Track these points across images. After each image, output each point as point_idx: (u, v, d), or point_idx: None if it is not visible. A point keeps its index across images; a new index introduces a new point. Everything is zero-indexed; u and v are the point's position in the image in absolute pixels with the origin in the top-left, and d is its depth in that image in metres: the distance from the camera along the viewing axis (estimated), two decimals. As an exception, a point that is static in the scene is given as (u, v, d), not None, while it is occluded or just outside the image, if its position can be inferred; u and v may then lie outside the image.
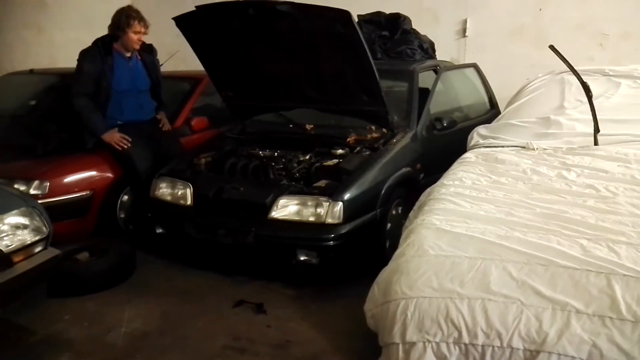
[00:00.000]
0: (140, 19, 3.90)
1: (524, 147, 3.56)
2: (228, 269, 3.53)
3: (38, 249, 2.71)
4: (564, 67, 3.67)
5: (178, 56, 5.07)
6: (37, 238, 2.70)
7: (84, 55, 3.91)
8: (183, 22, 3.72)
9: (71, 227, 3.70)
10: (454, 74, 4.88)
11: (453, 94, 4.80)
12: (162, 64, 4.45)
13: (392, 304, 2.15)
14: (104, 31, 3.99)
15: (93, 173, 3.87)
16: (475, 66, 5.28)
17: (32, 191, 3.54)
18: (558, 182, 2.91)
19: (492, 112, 5.03)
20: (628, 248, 2.08)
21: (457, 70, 5.03)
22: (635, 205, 2.51)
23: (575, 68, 3.63)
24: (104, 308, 3.13)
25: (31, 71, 5.14)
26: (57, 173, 3.71)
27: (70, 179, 3.75)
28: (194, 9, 3.60)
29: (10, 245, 2.57)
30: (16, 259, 2.58)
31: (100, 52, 3.89)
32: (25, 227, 2.69)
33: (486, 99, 5.19)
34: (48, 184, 3.62)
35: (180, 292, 3.32)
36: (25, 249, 2.64)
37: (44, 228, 2.74)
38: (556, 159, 3.28)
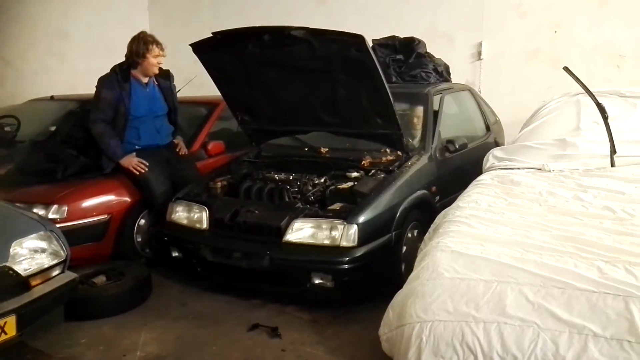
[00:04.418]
0: (157, 42, 3.99)
1: (539, 169, 3.54)
2: (243, 293, 3.53)
3: (55, 272, 2.75)
4: (580, 88, 3.66)
5: (195, 82, 5.16)
6: (54, 262, 2.74)
7: (103, 82, 3.99)
8: (200, 48, 3.80)
9: (89, 250, 3.75)
10: (452, 97, 4.79)
11: (454, 116, 4.78)
12: (179, 90, 4.53)
13: (407, 327, 2.13)
14: (124, 59, 4.08)
15: (111, 197, 3.91)
16: (470, 89, 5.27)
17: (50, 215, 3.58)
18: (574, 203, 2.88)
19: (487, 134, 5.03)
20: (646, 270, 2.04)
21: (454, 93, 4.90)
22: (654, 226, 2.48)
23: (591, 89, 3.62)
24: (119, 332, 3.14)
25: (52, 97, 5.26)
26: (75, 197, 3.76)
27: (88, 203, 3.80)
28: (211, 35, 3.67)
29: (28, 269, 2.61)
30: (34, 282, 2.62)
31: (118, 78, 3.96)
32: (43, 250, 2.73)
33: (482, 122, 5.14)
34: (66, 208, 3.67)
35: (196, 316, 3.33)
36: (43, 272, 2.68)
37: (61, 252, 2.78)
38: (572, 181, 3.25)
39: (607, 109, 3.54)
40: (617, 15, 5.51)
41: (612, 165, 3.43)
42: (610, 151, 3.45)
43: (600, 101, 3.55)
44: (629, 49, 5.50)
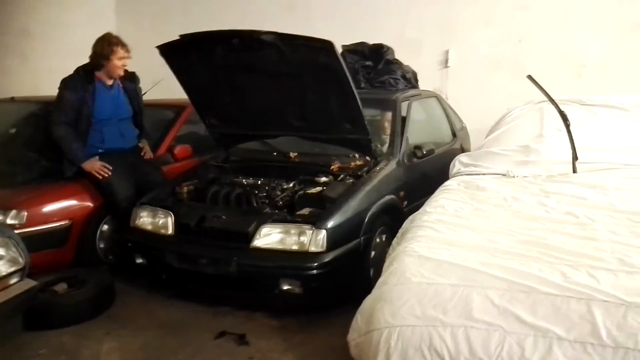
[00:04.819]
0: (123, 44, 3.91)
1: (504, 175, 3.58)
2: (210, 300, 3.47)
3: (14, 280, 2.66)
4: (543, 96, 3.74)
5: (162, 84, 5.08)
6: (12, 269, 2.65)
7: (65, 83, 3.89)
8: (167, 50, 3.73)
9: (49, 257, 3.63)
10: (419, 103, 4.81)
11: (421, 123, 4.82)
12: (145, 93, 4.46)
13: (376, 333, 2.12)
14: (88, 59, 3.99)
15: (72, 202, 3.81)
16: (437, 96, 5.34)
17: (9, 221, 3.47)
18: (538, 209, 2.92)
19: (454, 140, 5.10)
20: (607, 274, 2.08)
21: (422, 100, 4.92)
22: (614, 231, 2.53)
23: (554, 97, 3.70)
24: (81, 341, 3.06)
25: (12, 99, 5.11)
26: (35, 202, 3.65)
27: (48, 208, 3.69)
28: (178, 37, 3.61)
29: (-16, 277, 2.52)
30: (-10, 290, 2.53)
31: (81, 80, 3.87)
32: (0, 258, 2.63)
33: (449, 129, 5.20)
34: (26, 213, 3.55)
35: (161, 324, 3.26)
36: (0, 280, 2.58)
37: (20, 259, 2.69)
38: (536, 187, 3.30)
39: (569, 116, 3.61)
40: (579, 26, 5.70)
41: (574, 171, 3.49)
42: (572, 157, 3.51)
43: (562, 109, 3.63)
44: (590, 59, 5.70)
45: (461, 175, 3.73)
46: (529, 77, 3.60)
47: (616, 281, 2.04)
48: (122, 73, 3.99)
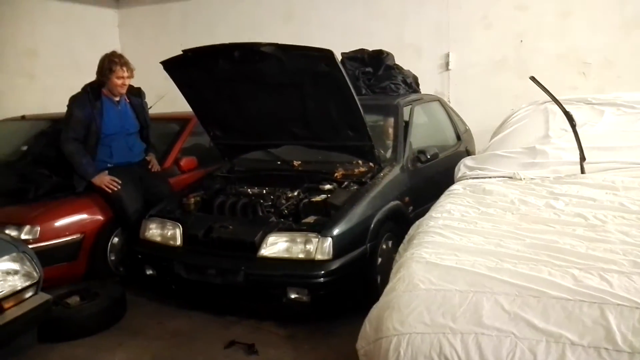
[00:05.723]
0: (123, 63, 3.95)
1: (511, 178, 3.53)
2: (219, 309, 3.49)
3: (29, 294, 2.72)
4: (548, 97, 3.72)
5: (167, 98, 5.12)
6: (27, 283, 2.70)
7: (74, 100, 3.96)
8: (171, 65, 3.77)
9: (62, 271, 3.68)
10: (421, 108, 4.79)
11: (424, 127, 4.82)
12: (150, 107, 4.50)
13: (385, 340, 2.11)
14: (94, 77, 4.03)
15: (84, 216, 3.86)
16: (439, 100, 5.33)
17: (23, 236, 3.53)
18: (546, 211, 2.89)
19: (458, 143, 5.08)
20: (620, 277, 2.05)
21: (424, 104, 4.89)
22: (625, 232, 2.49)
23: (558, 97, 3.67)
24: (94, 353, 3.09)
25: (23, 117, 5.18)
26: (47, 217, 3.70)
27: (60, 223, 3.74)
28: (181, 52, 3.65)
29: (0, 292, 2.56)
30: (6, 305, 2.58)
31: (89, 97, 3.93)
32: (15, 272, 2.69)
33: (453, 132, 5.18)
34: (39, 228, 3.61)
35: (171, 334, 3.28)
36: (16, 294, 2.65)
37: (34, 273, 2.74)
38: (544, 189, 3.26)
39: (574, 116, 3.57)
40: (580, 23, 5.65)
41: (582, 172, 3.45)
42: (580, 158, 3.47)
43: (567, 109, 3.59)
44: (594, 57, 5.63)
45: (467, 179, 3.69)
46: (532, 78, 3.58)
47: (630, 284, 2.00)
48: (122, 91, 4.04)
